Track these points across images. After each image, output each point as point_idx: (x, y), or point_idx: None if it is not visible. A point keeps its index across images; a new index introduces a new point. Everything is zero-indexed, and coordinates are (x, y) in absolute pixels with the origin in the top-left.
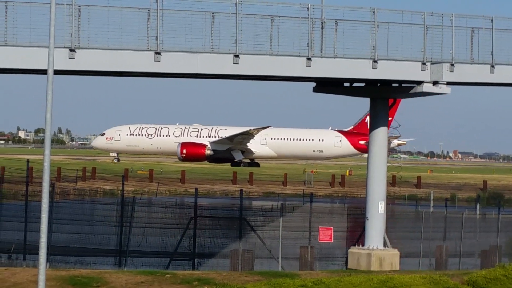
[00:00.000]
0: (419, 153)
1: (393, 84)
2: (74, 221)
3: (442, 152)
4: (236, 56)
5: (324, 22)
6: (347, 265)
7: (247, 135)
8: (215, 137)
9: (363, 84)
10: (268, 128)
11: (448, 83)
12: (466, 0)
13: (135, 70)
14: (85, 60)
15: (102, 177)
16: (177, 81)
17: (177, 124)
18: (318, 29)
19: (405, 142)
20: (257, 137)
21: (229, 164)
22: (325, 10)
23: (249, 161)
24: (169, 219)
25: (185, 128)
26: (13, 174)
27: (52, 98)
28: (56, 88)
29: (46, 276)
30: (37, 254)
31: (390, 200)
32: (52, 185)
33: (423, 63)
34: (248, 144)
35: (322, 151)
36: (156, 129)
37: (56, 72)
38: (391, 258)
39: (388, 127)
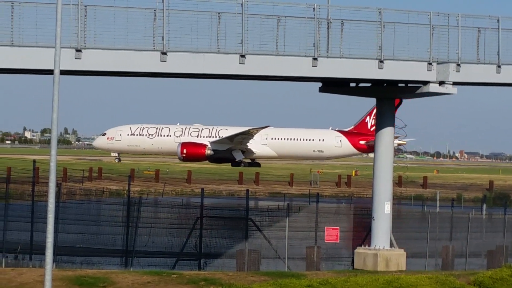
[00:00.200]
0: (425, 153)
1: (399, 84)
2: (81, 221)
3: (448, 152)
4: (242, 56)
5: (330, 22)
6: (353, 265)
7: (247, 135)
8: (216, 137)
9: (369, 84)
10: (268, 128)
11: (454, 83)
12: (472, 0)
13: (141, 70)
14: (91, 60)
15: (108, 177)
16: (181, 81)
17: (178, 124)
18: (324, 29)
19: (405, 142)
20: (257, 137)
21: (230, 164)
22: (331, 10)
23: (249, 161)
24: (175, 219)
25: (185, 128)
26: (20, 174)
27: (58, 98)
28: (62, 88)
29: (52, 276)
30: (44, 254)
31: (396, 200)
32: (58, 185)
33: (429, 63)
34: (248, 144)
35: (323, 151)
36: (157, 129)
37: (63, 72)
38: (398, 258)
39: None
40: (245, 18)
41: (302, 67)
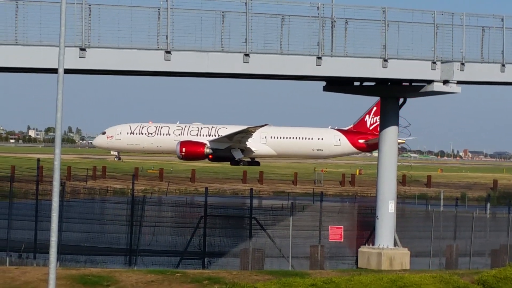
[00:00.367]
0: (429, 152)
1: (404, 83)
2: (85, 220)
3: (452, 151)
4: (246, 55)
5: (334, 21)
6: (357, 264)
7: (245, 134)
8: (215, 136)
9: (373, 83)
10: (268, 127)
11: (459, 82)
12: None
13: (146, 69)
14: (95, 59)
15: (112, 176)
16: (184, 79)
17: (178, 123)
18: (328, 28)
19: (404, 141)
20: (256, 136)
21: (229, 163)
22: (335, 9)
23: (249, 159)
24: (179, 218)
25: (185, 126)
26: (24, 173)
27: (62, 97)
28: (67, 87)
29: (56, 275)
30: (48, 253)
31: (400, 199)
32: (62, 184)
33: (434, 62)
34: (247, 142)
35: (322, 150)
36: (156, 127)
37: (67, 71)
38: (401, 257)
39: None
40: (249, 17)
41: (306, 66)
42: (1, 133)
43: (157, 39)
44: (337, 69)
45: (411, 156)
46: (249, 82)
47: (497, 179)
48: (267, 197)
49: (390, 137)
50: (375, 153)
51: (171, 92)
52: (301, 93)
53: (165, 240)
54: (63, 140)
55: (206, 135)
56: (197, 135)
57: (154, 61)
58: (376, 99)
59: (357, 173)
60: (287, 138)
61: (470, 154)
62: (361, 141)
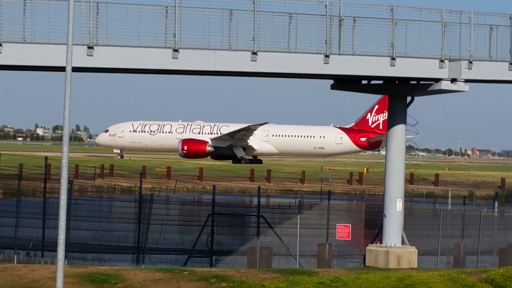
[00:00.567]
0: (437, 150)
1: (411, 82)
2: (92, 218)
3: (460, 149)
4: (254, 53)
5: (342, 19)
6: (365, 263)
7: (247, 132)
8: (217, 134)
9: (381, 82)
10: (269, 125)
11: (466, 81)
12: None
13: (153, 67)
14: (103, 57)
15: (120, 174)
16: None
17: (180, 121)
18: (336, 27)
19: (406, 139)
20: (258, 134)
21: (231, 161)
22: (343, 7)
23: (251, 157)
24: (187, 216)
25: (187, 124)
26: (31, 171)
27: (70, 95)
28: (74, 85)
29: (64, 273)
30: (56, 251)
31: (408, 197)
32: (70, 182)
33: (441, 61)
34: (249, 141)
35: (323, 148)
36: (158, 125)
37: (74, 69)
38: (409, 256)
39: None
40: (257, 15)
41: (314, 64)
42: (9, 131)
43: (164, 37)
44: (344, 68)
45: (418, 155)
46: (253, 80)
47: (505, 177)
48: (274, 195)
49: (398, 135)
50: (382, 152)
51: (175, 90)
52: (306, 91)
53: (172, 238)
54: (70, 138)
55: (208, 133)
56: (199, 133)
57: (161, 59)
58: (378, 97)
59: (365, 172)
60: (289, 136)
61: (478, 153)
62: (362, 139)
